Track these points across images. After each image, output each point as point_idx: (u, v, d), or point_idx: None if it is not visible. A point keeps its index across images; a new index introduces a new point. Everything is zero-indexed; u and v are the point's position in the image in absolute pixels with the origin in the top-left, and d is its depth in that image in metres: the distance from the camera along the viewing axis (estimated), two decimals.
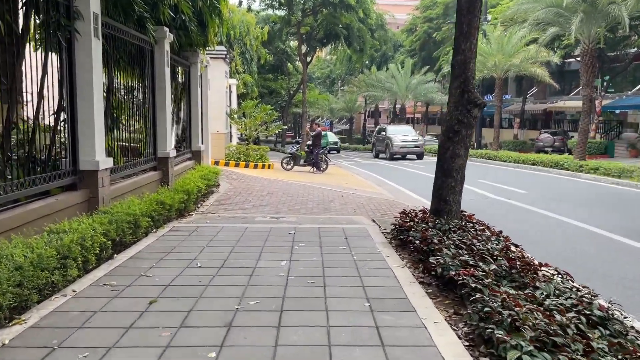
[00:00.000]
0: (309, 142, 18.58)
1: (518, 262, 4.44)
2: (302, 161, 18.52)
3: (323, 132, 19.15)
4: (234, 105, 23.05)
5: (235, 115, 20.07)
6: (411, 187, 14.79)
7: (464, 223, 6.03)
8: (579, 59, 31.00)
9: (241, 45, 23.41)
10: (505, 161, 23.35)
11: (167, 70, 9.05)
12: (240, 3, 29.63)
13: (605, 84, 29.60)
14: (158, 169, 8.95)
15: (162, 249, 5.86)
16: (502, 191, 13.87)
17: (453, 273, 4.17)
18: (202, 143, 12.69)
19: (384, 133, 29.65)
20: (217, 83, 17.25)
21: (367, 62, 50.45)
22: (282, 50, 44.48)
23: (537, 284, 3.98)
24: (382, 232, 7.00)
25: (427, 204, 11.98)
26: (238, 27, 22.40)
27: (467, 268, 4.21)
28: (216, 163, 17.35)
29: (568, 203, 11.79)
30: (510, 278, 4.20)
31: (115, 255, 5.46)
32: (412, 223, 6.11)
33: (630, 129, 33.03)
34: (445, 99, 43.62)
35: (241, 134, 19.30)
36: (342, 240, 6.41)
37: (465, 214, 6.46)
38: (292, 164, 18.46)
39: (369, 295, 4.29)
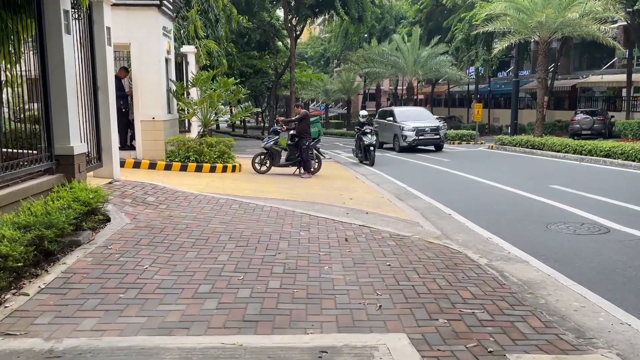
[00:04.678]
0: (292, 132, 12.66)
1: None
2: (282, 159, 12.69)
3: (313, 118, 13.25)
4: None
5: (191, 93, 14.23)
6: (451, 200, 9.01)
7: None
8: (613, 25, 25.20)
9: (202, 1, 17.41)
10: (558, 151, 17.42)
11: None
12: None
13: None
14: None
15: None
16: (614, 210, 8.14)
17: None
18: (82, 140, 6.86)
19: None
20: (148, 44, 11.30)
21: (365, 35, 44.18)
22: (268, 23, 38.22)
23: None
24: None
25: (518, 254, 5.18)
26: None
27: None
28: (152, 166, 11.54)
29: None
30: None
31: None
32: None
33: None
34: (459, 75, 37.71)
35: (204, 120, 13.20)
36: None
37: None
38: (267, 164, 12.62)
39: None
